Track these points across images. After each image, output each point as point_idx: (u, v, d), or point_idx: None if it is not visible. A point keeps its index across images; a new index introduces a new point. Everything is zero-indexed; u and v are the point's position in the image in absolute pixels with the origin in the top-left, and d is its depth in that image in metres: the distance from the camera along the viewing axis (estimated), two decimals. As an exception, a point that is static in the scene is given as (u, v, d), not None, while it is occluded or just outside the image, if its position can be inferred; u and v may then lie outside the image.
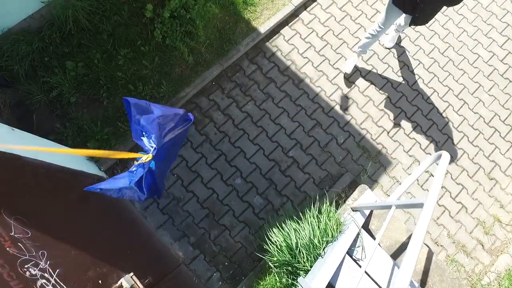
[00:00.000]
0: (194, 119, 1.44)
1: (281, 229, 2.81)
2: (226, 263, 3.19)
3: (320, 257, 2.67)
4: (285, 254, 2.67)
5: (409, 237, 3.12)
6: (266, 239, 2.87)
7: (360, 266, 2.73)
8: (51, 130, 3.31)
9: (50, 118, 3.34)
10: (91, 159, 3.24)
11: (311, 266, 2.66)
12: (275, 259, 2.78)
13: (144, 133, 1.33)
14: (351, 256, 2.76)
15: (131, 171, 1.37)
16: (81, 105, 3.43)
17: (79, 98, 3.42)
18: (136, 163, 1.39)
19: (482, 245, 3.43)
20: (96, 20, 3.48)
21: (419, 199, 1.91)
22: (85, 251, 1.86)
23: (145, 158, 1.34)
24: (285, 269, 2.81)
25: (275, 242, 2.78)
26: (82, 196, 2.57)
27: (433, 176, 3.58)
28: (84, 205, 2.54)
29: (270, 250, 2.79)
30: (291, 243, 2.66)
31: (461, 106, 3.87)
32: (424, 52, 4.03)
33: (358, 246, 2.75)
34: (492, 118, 3.86)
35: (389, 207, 2.32)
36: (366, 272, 2.76)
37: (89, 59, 3.47)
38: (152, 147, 1.32)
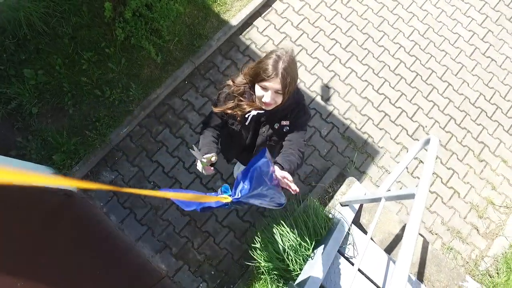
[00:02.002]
0: (285, 203, 1.43)
1: (266, 232, 2.62)
2: (213, 272, 2.99)
3: (310, 259, 2.50)
4: (272, 260, 2.49)
5: (403, 229, 2.97)
6: (252, 244, 2.68)
7: (353, 264, 2.58)
8: (13, 144, 3.06)
9: (10, 132, 3.09)
10: (59, 171, 3.00)
11: (301, 269, 2.49)
12: (263, 264, 2.59)
13: (244, 181, 1.29)
14: (342, 255, 2.59)
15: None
16: (45, 115, 3.18)
17: (41, 108, 3.17)
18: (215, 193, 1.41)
19: (477, 230, 3.31)
20: (53, 23, 3.24)
21: (409, 190, 1.75)
22: (42, 280, 1.64)
23: (224, 198, 1.34)
24: (275, 273, 2.63)
25: (261, 247, 2.59)
26: (46, 216, 2.35)
27: (422, 163, 3.45)
28: (49, 225, 2.31)
29: (256, 257, 2.60)
30: (278, 247, 2.48)
31: (446, 88, 3.74)
32: (404, 35, 3.89)
33: (350, 243, 2.59)
34: (478, 98, 3.74)
35: (378, 200, 2.17)
36: (360, 270, 2.60)
37: (49, 65, 3.22)
38: (238, 196, 1.30)
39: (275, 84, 1.48)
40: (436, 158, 3.47)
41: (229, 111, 1.73)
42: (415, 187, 1.73)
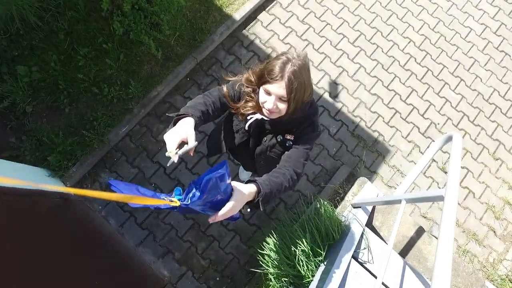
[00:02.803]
0: (239, 218, 1.33)
1: (274, 236, 2.47)
2: (218, 278, 2.84)
3: (322, 264, 2.35)
4: (282, 266, 2.33)
5: (417, 231, 2.82)
6: (260, 249, 2.53)
7: (367, 270, 2.42)
8: (6, 145, 2.90)
9: (3, 132, 2.92)
10: (55, 173, 2.84)
11: (312, 276, 2.33)
12: (271, 271, 2.44)
13: (197, 188, 1.15)
14: (357, 260, 2.44)
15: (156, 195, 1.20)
16: (39, 114, 3.02)
17: (36, 107, 3.01)
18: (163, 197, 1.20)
19: (494, 232, 3.16)
20: (48, 17, 3.08)
21: (436, 191, 1.60)
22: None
23: (172, 202, 1.17)
24: (284, 280, 2.48)
25: (269, 253, 2.44)
26: (39, 220, 2.19)
27: (436, 162, 3.30)
28: (43, 231, 2.15)
29: (264, 263, 2.45)
30: (288, 252, 2.33)
31: (458, 84, 3.60)
32: (413, 29, 3.74)
33: (364, 248, 2.43)
34: (491, 94, 3.60)
35: (397, 201, 2.01)
36: (374, 275, 2.45)
37: (44, 62, 3.06)
38: (187, 201, 1.15)
39: (279, 88, 1.30)
40: (449, 157, 3.33)
41: (233, 111, 1.56)
42: (443, 187, 1.58)
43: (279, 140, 1.56)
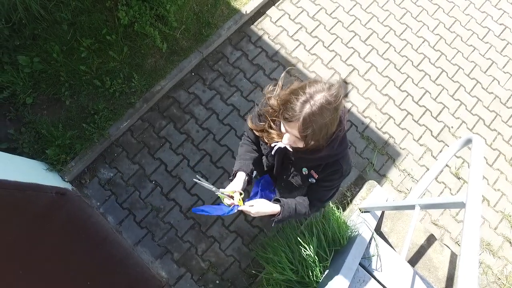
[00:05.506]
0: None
1: (278, 239, 2.35)
2: (218, 281, 2.72)
3: (328, 271, 2.22)
4: (285, 271, 2.21)
5: (428, 239, 2.68)
6: (262, 252, 2.41)
7: (375, 278, 2.29)
8: (4, 137, 2.82)
9: (2, 123, 2.84)
10: (53, 168, 2.75)
11: (317, 283, 2.21)
12: (274, 275, 2.32)
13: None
14: (365, 268, 2.31)
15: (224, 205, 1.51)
16: (40, 106, 2.94)
17: (36, 99, 2.93)
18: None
19: (510, 242, 3.00)
20: (52, 7, 3.00)
21: (456, 197, 1.46)
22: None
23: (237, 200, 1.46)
24: (287, 286, 2.35)
25: (272, 256, 2.32)
26: (32, 218, 2.09)
27: (448, 167, 3.15)
28: (36, 229, 2.06)
29: (267, 267, 2.33)
30: (292, 257, 2.21)
31: (474, 86, 3.44)
32: (428, 28, 3.60)
33: (373, 255, 2.30)
34: (509, 97, 3.43)
35: (411, 207, 1.88)
36: (382, 284, 2.32)
37: (46, 52, 2.98)
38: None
39: (293, 128, 1.18)
40: (463, 162, 3.18)
41: (257, 133, 1.47)
42: (457, 193, 1.45)
43: (304, 173, 1.50)
